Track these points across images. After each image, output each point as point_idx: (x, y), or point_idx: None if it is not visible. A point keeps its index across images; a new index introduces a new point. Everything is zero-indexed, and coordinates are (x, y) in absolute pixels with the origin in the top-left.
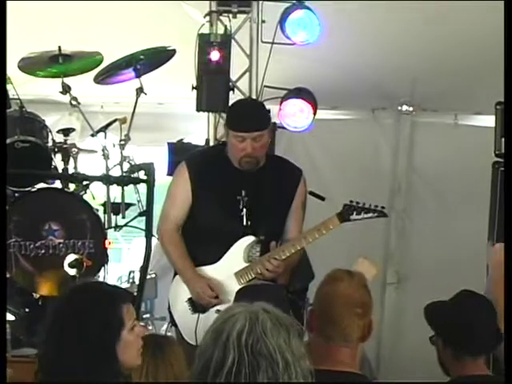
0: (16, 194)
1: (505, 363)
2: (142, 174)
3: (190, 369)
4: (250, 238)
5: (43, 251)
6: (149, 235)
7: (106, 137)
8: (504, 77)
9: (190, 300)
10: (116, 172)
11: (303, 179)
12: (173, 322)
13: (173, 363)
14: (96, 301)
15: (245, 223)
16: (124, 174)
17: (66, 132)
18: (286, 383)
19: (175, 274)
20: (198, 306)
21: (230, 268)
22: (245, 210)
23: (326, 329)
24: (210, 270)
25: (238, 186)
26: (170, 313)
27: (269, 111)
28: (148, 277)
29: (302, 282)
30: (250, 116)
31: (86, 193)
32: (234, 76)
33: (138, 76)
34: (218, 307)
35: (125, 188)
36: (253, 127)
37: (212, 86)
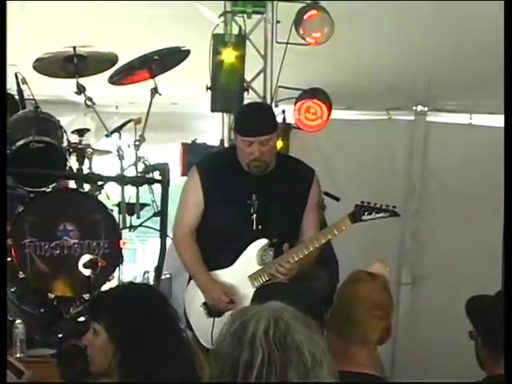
0: (31, 195)
1: (504, 362)
2: (156, 175)
3: (209, 372)
4: (262, 241)
5: (58, 251)
6: (163, 235)
7: (120, 137)
8: (504, 77)
9: (205, 304)
10: (131, 172)
11: (316, 179)
12: (188, 326)
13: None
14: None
15: (255, 227)
16: (139, 175)
17: (81, 132)
18: (309, 383)
19: (190, 278)
20: (213, 311)
21: (243, 271)
22: (255, 214)
23: (346, 329)
24: (223, 274)
25: (248, 189)
26: (186, 317)
27: (283, 111)
28: (163, 277)
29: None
30: (257, 120)
31: (100, 193)
32: (248, 76)
33: (153, 76)
34: (232, 311)
35: (139, 188)
36: (259, 131)
37: (226, 86)
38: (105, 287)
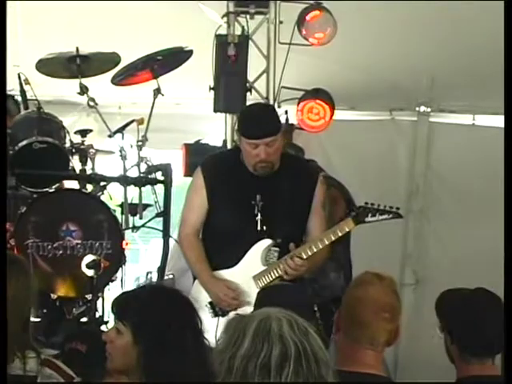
0: (34, 195)
1: (504, 363)
2: (159, 175)
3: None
4: (267, 242)
5: (61, 252)
6: (166, 236)
7: (123, 138)
8: (504, 77)
9: (211, 304)
10: (133, 173)
11: (321, 179)
12: None
13: None
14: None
15: (259, 228)
16: (141, 175)
17: (84, 133)
18: (313, 383)
19: (195, 278)
20: (218, 310)
21: (247, 271)
22: (260, 215)
23: (353, 331)
24: (227, 274)
25: (252, 190)
26: None
27: (286, 112)
28: (165, 278)
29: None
30: (262, 122)
31: (103, 193)
32: (251, 77)
33: (156, 77)
34: (237, 310)
35: (142, 189)
36: (265, 133)
37: (229, 86)
38: (107, 288)
